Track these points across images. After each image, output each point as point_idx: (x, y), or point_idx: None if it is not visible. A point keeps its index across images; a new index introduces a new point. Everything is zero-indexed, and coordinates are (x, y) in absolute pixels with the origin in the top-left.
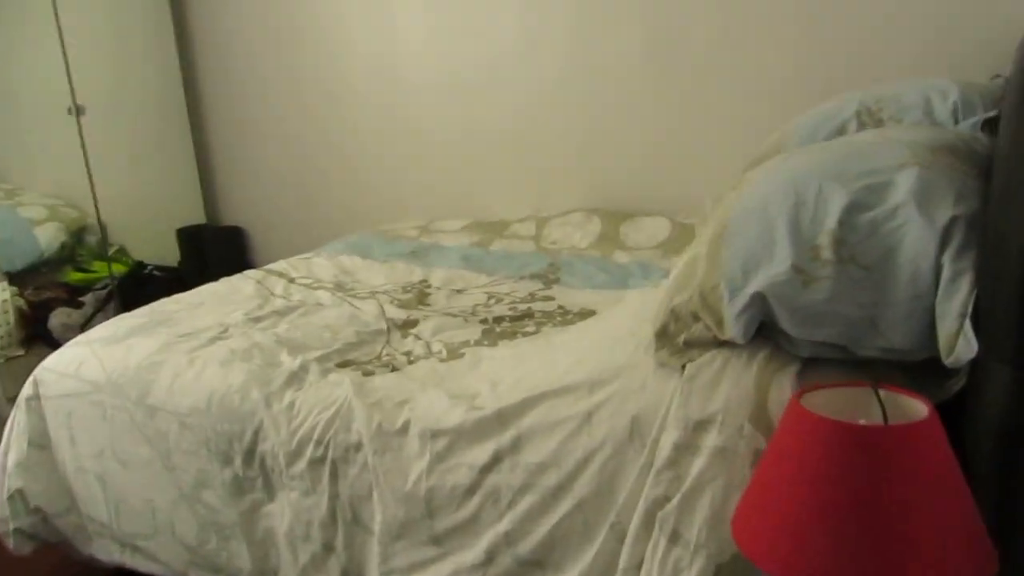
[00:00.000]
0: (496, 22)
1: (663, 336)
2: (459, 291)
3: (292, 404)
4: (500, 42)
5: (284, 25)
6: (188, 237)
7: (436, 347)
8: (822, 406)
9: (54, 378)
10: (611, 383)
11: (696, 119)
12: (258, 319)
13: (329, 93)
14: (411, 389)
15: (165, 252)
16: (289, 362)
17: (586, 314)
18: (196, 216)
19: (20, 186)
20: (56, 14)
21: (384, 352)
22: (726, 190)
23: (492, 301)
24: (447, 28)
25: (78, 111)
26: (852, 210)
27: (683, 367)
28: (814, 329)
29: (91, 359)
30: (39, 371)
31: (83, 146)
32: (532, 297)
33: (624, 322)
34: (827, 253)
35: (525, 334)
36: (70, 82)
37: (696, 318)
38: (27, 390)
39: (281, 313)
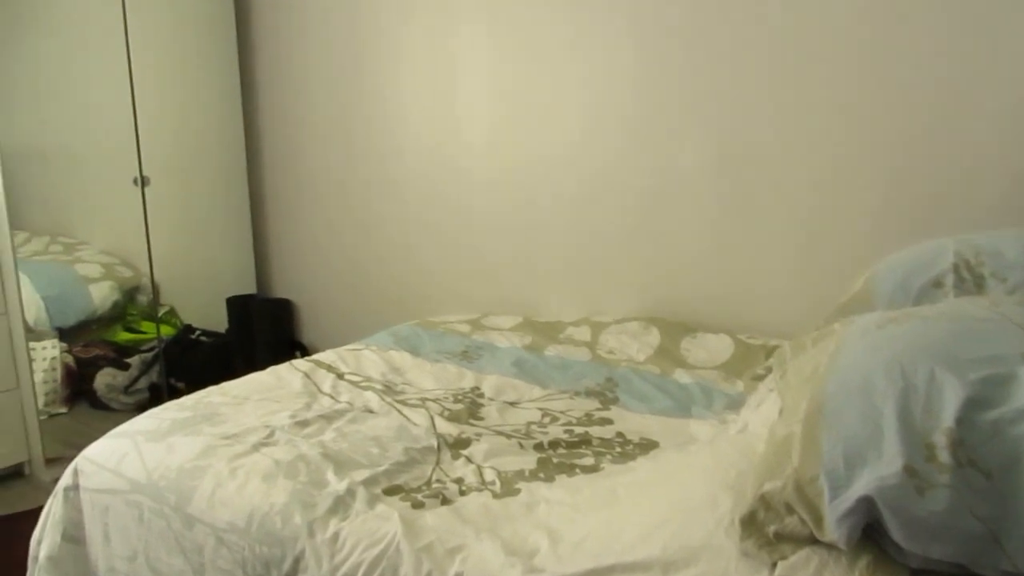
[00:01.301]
0: (558, 119)
1: (750, 524)
2: (512, 404)
3: (337, 536)
4: (561, 138)
5: (347, 111)
6: (237, 305)
7: (489, 475)
8: None
9: (94, 470)
10: (689, 567)
11: (764, 236)
12: (304, 423)
13: (386, 178)
14: (464, 534)
15: (214, 318)
16: (335, 483)
17: (647, 446)
18: (247, 286)
19: (81, 241)
20: (132, 88)
21: (435, 478)
22: (808, 340)
23: (547, 420)
24: (508, 122)
25: (143, 181)
26: (971, 406)
27: (773, 564)
28: (928, 544)
29: (133, 454)
30: (80, 460)
31: (145, 214)
32: (589, 419)
33: (698, 484)
34: (944, 455)
35: (584, 468)
36: (139, 155)
37: (790, 510)
38: (66, 479)
39: (328, 418)
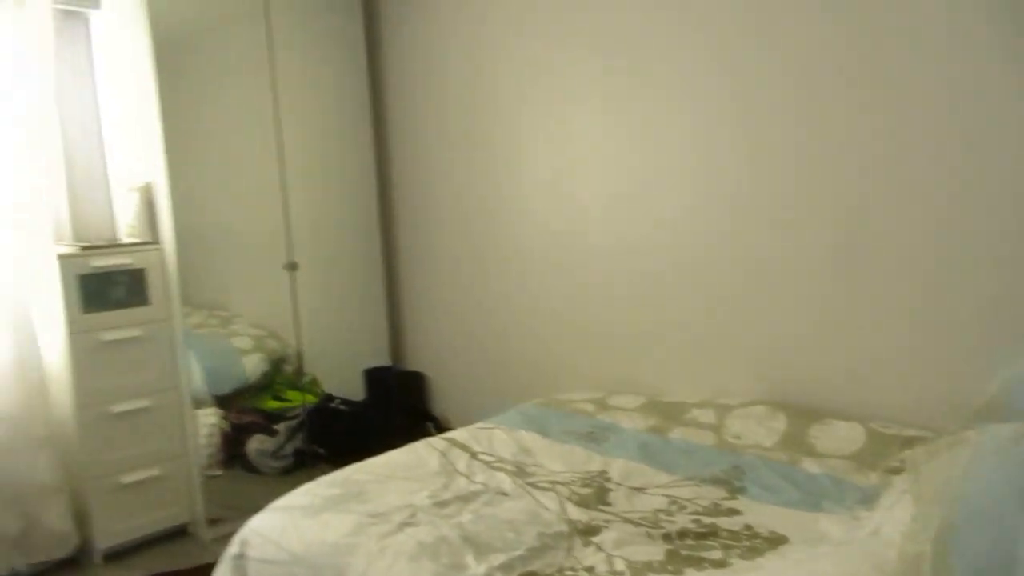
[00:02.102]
0: (673, 197)
1: None
2: (639, 489)
3: None
4: (676, 216)
5: (472, 196)
6: (374, 376)
7: (619, 565)
8: None
9: (259, 541)
10: None
11: (892, 316)
12: (444, 503)
13: (509, 258)
14: None
15: (352, 387)
16: (474, 567)
17: (776, 541)
18: (383, 358)
19: (235, 314)
20: (284, 180)
21: (567, 566)
22: (943, 444)
23: (674, 507)
24: (625, 202)
25: (293, 266)
26: None
27: None
28: None
29: (291, 529)
30: (246, 531)
31: (293, 294)
32: (716, 509)
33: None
34: None
35: (712, 563)
36: (288, 242)
37: None
38: (234, 548)
39: (465, 499)
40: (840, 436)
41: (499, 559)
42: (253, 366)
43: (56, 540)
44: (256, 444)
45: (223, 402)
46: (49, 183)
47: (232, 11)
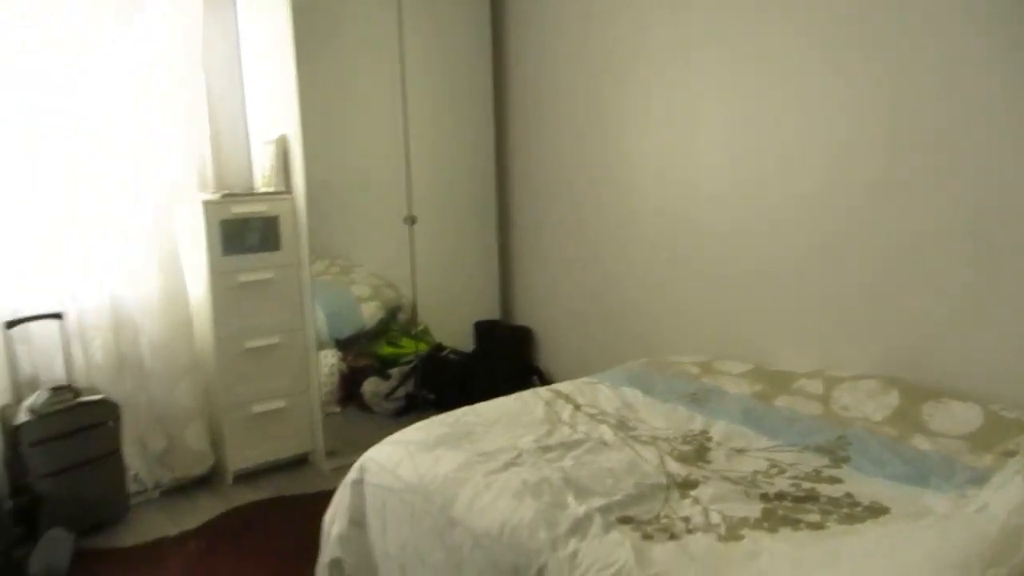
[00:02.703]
0: (800, 173)
1: None
2: (739, 451)
3: (575, 553)
4: (803, 190)
5: (591, 157)
6: (483, 329)
7: (715, 518)
8: None
9: (376, 468)
10: None
11: (1020, 300)
12: (547, 448)
13: (625, 220)
14: (689, 571)
15: (462, 339)
16: (574, 506)
17: (877, 511)
18: (492, 312)
19: (355, 264)
20: (407, 139)
21: (663, 513)
22: None
23: (774, 471)
24: (748, 173)
25: (412, 220)
26: None
27: None
28: None
29: (407, 460)
30: (365, 459)
31: (411, 247)
32: (817, 475)
33: (924, 560)
34: None
35: (809, 524)
36: (409, 198)
37: None
38: (354, 474)
39: (568, 446)
40: (956, 416)
41: (598, 502)
42: (370, 313)
43: (194, 459)
44: (371, 386)
45: (342, 346)
46: (195, 136)
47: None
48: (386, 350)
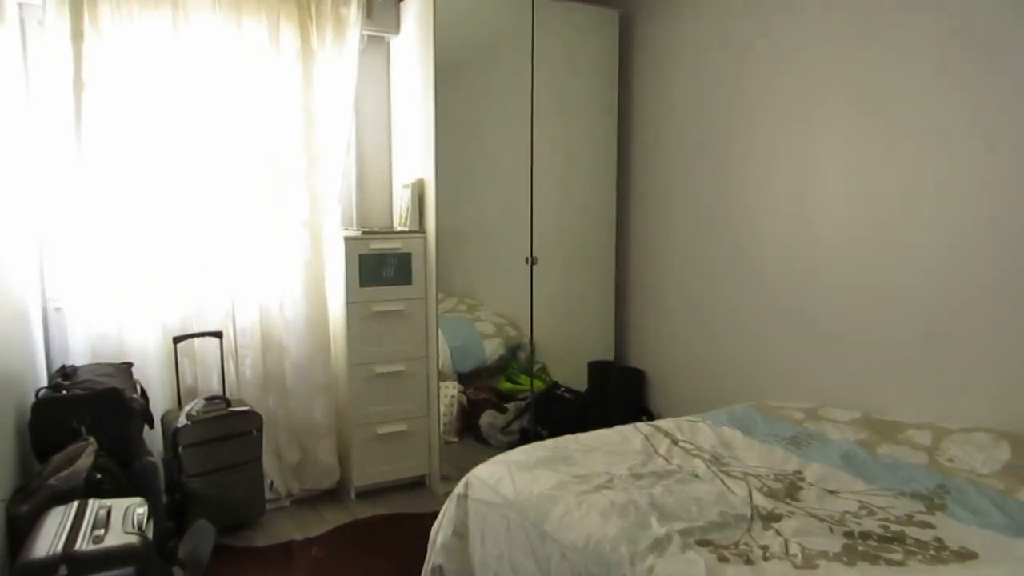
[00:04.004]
0: (917, 225)
1: None
2: (831, 492)
3: (652, 568)
4: (919, 245)
5: (708, 206)
6: (597, 369)
7: (794, 549)
8: None
9: (479, 484)
10: None
11: None
12: (639, 476)
13: (739, 269)
14: None
15: (577, 378)
16: (656, 528)
17: (964, 555)
18: (606, 353)
19: (480, 303)
20: (532, 186)
21: (743, 541)
22: None
23: (864, 512)
24: (865, 227)
25: (533, 261)
26: None
27: None
28: None
29: (507, 478)
30: (470, 476)
31: (531, 286)
32: (909, 519)
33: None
34: None
35: (889, 562)
36: (531, 240)
37: None
38: (459, 488)
39: (659, 475)
40: None
41: (680, 525)
42: (492, 349)
43: (323, 472)
44: (488, 418)
45: (464, 379)
46: (344, 178)
47: (502, 35)
48: (505, 385)
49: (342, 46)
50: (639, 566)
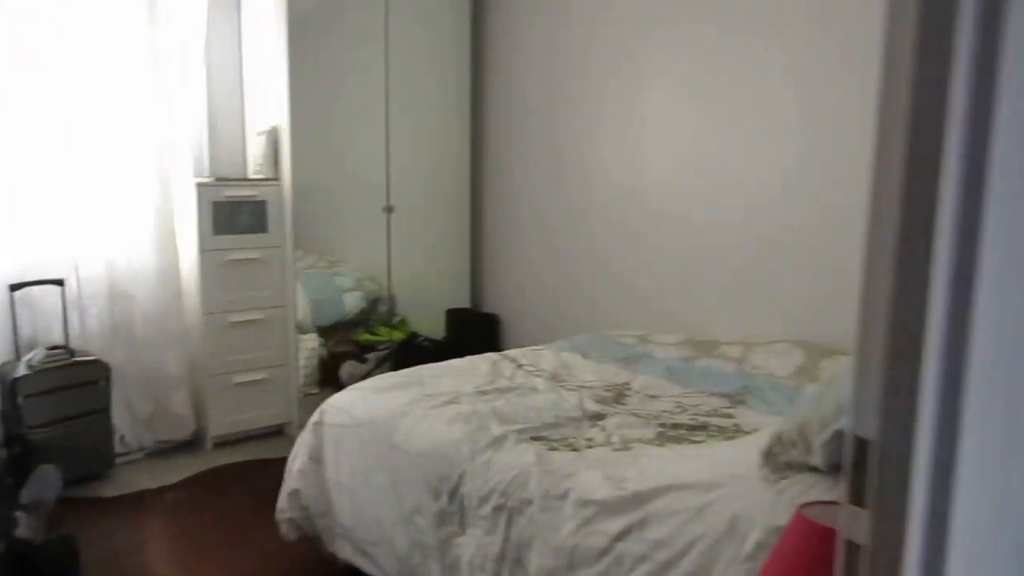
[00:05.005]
0: (735, 169)
1: (768, 456)
2: (653, 397)
3: (489, 461)
4: (730, 178)
5: (553, 153)
6: (454, 317)
7: (614, 439)
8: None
9: (334, 411)
10: (723, 487)
11: None
12: (484, 392)
13: (580, 214)
14: (579, 466)
15: (435, 327)
16: (495, 429)
17: (754, 433)
18: (463, 301)
19: (340, 259)
20: (388, 135)
21: (572, 436)
22: None
23: (678, 410)
24: (690, 176)
25: (390, 210)
26: None
27: (779, 482)
28: None
29: (360, 402)
30: (326, 404)
31: (388, 236)
32: (714, 412)
33: (760, 439)
34: None
35: (692, 441)
36: (388, 189)
37: (794, 444)
38: (315, 417)
39: (503, 391)
40: (844, 367)
41: (517, 427)
42: (352, 303)
43: (177, 424)
44: (348, 368)
45: (324, 332)
46: (194, 124)
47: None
48: (364, 337)
49: None
50: (478, 460)
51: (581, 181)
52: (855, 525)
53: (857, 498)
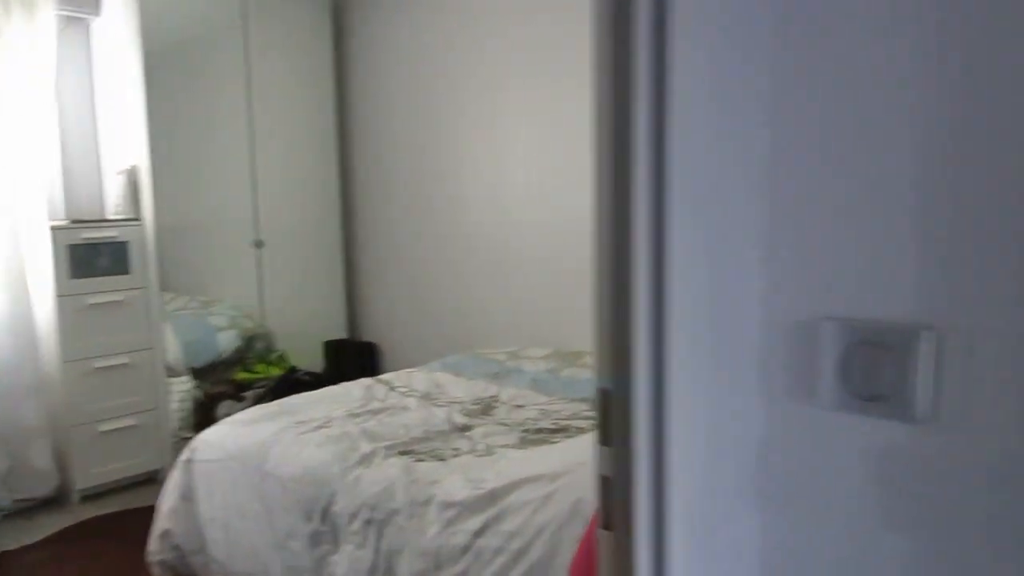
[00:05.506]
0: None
1: None
2: (519, 406)
3: (358, 478)
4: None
5: (420, 179)
6: (333, 348)
7: (480, 447)
8: None
9: (205, 447)
10: (567, 475)
11: None
12: (356, 415)
13: (452, 239)
14: (443, 473)
15: (314, 360)
16: (365, 447)
17: None
18: (341, 331)
19: (215, 299)
20: (253, 165)
21: (439, 447)
22: None
23: (542, 416)
24: (544, 209)
25: (259, 244)
26: None
27: None
28: None
29: (232, 436)
30: (196, 441)
31: (260, 271)
32: (575, 416)
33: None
34: None
35: (549, 443)
36: (257, 223)
37: None
38: (185, 455)
39: (375, 412)
40: None
41: (386, 443)
42: (227, 342)
43: (39, 479)
44: (224, 409)
45: (200, 374)
46: (45, 166)
47: (215, 21)
48: (241, 375)
49: (33, 25)
50: (348, 478)
51: (448, 207)
52: (604, 461)
53: (605, 439)
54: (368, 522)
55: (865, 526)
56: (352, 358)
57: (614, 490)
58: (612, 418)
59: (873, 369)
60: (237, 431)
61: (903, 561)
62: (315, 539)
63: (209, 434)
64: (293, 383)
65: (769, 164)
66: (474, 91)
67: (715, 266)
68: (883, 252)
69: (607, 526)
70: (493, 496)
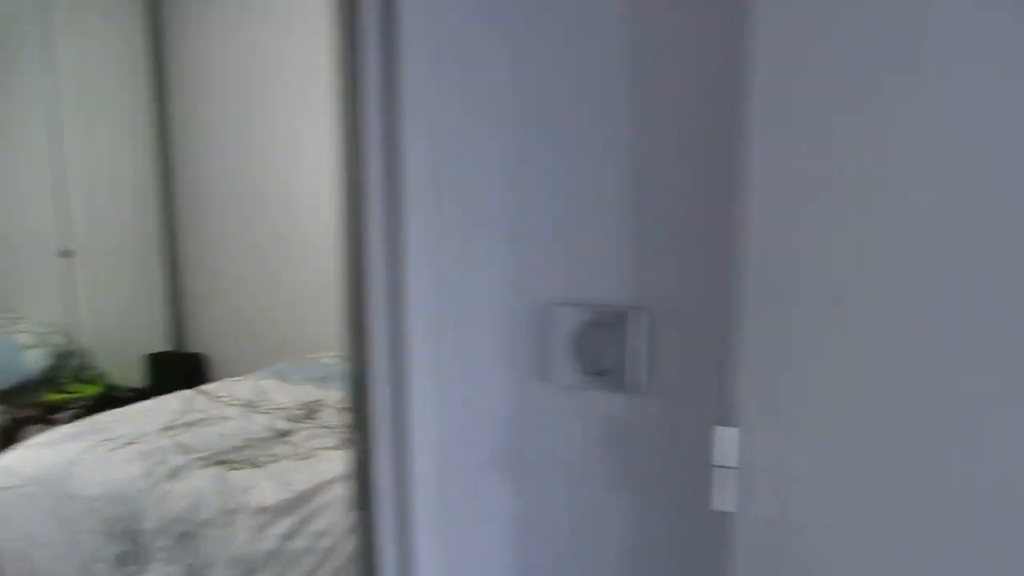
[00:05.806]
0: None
1: None
2: (344, 409)
3: (167, 492)
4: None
5: (250, 185)
6: (157, 361)
7: (301, 450)
8: None
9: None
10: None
11: None
12: (170, 428)
13: (282, 242)
14: (258, 479)
15: (136, 375)
16: (176, 460)
17: None
18: (165, 343)
19: (21, 316)
20: (62, 170)
21: (257, 455)
22: None
23: None
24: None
25: (68, 254)
26: None
27: None
28: None
29: (30, 459)
30: None
31: (71, 283)
32: None
33: None
34: None
35: None
36: (63, 228)
37: None
38: None
39: (191, 424)
40: None
41: (200, 455)
42: (35, 361)
43: None
44: (31, 434)
45: (4, 397)
46: None
47: (9, 11)
48: (53, 397)
49: None
50: (156, 493)
51: (281, 206)
52: (356, 447)
53: (357, 425)
54: (178, 536)
55: (593, 488)
56: (178, 370)
57: (366, 472)
58: (359, 404)
59: (600, 347)
60: (37, 454)
61: (623, 516)
62: (122, 560)
63: (3, 460)
64: (114, 401)
65: (514, 162)
66: (309, 77)
67: (460, 254)
68: (607, 243)
69: (361, 507)
70: (301, 498)
